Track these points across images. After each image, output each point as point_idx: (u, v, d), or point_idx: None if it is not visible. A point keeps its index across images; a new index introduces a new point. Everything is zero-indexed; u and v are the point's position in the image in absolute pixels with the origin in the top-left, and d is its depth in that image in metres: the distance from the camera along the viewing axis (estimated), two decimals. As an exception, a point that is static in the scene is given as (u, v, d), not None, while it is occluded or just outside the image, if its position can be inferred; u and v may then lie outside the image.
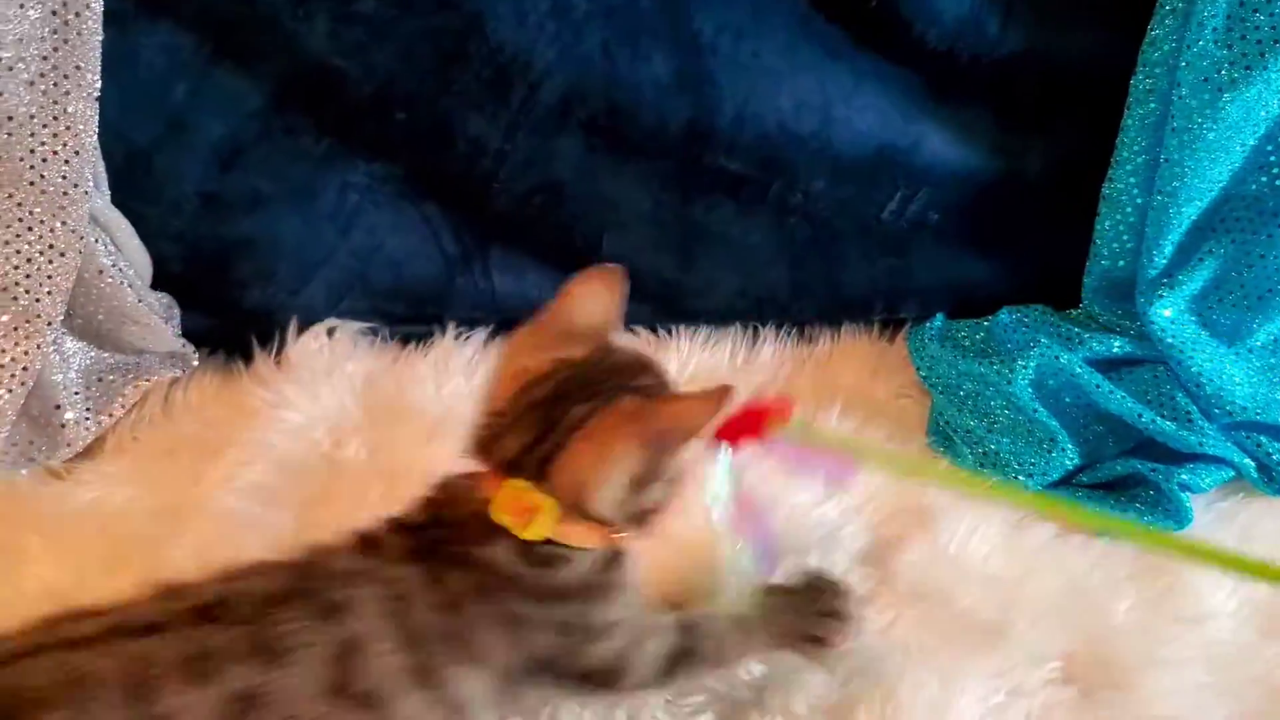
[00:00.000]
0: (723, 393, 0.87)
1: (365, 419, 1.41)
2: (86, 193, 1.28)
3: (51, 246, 1.28)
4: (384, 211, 1.46)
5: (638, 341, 1.56)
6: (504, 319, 1.51)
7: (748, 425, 0.99)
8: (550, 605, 0.93)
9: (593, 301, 0.96)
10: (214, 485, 1.30)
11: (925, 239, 1.49)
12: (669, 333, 1.58)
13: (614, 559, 0.97)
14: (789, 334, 1.59)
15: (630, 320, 1.53)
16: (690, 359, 1.55)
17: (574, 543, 0.93)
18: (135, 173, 1.39)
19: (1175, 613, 1.20)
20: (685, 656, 1.00)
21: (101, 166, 1.34)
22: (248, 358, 1.48)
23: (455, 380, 1.48)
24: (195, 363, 1.48)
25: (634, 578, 0.99)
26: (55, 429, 1.36)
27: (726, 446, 1.00)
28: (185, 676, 0.80)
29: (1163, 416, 1.32)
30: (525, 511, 0.90)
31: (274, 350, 1.49)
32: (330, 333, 1.51)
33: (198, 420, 1.42)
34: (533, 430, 0.91)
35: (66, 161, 1.26)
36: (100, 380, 1.40)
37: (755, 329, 1.58)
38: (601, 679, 0.97)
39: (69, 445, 1.36)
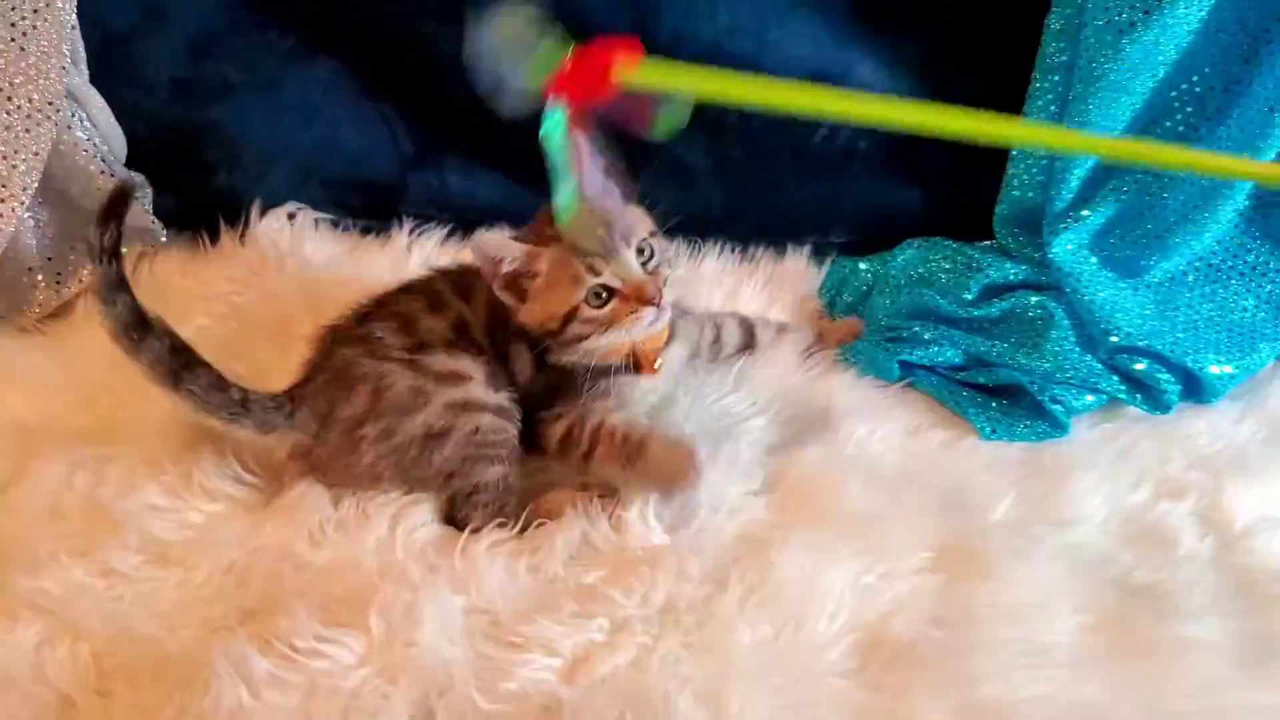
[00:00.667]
0: None
1: (324, 294, 1.49)
2: (64, 68, 1.38)
3: (29, 116, 1.37)
4: (344, 107, 1.57)
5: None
6: (459, 219, 1.60)
7: (590, 74, 0.98)
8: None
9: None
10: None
11: (854, 166, 1.57)
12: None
13: None
14: (731, 251, 1.67)
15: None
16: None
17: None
18: (112, 57, 1.49)
19: (1048, 516, 1.29)
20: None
21: (81, 46, 1.44)
22: (214, 238, 1.58)
23: (412, 272, 1.56)
24: (164, 239, 1.58)
25: None
26: (26, 289, 1.47)
27: (564, 103, 1.01)
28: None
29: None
30: None
31: (239, 231, 1.58)
32: (291, 217, 1.60)
33: (164, 290, 1.52)
34: None
35: (45, 37, 1.35)
36: (72, 249, 1.50)
37: (697, 244, 1.66)
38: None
39: (39, 306, 1.47)
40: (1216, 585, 1.21)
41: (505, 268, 1.17)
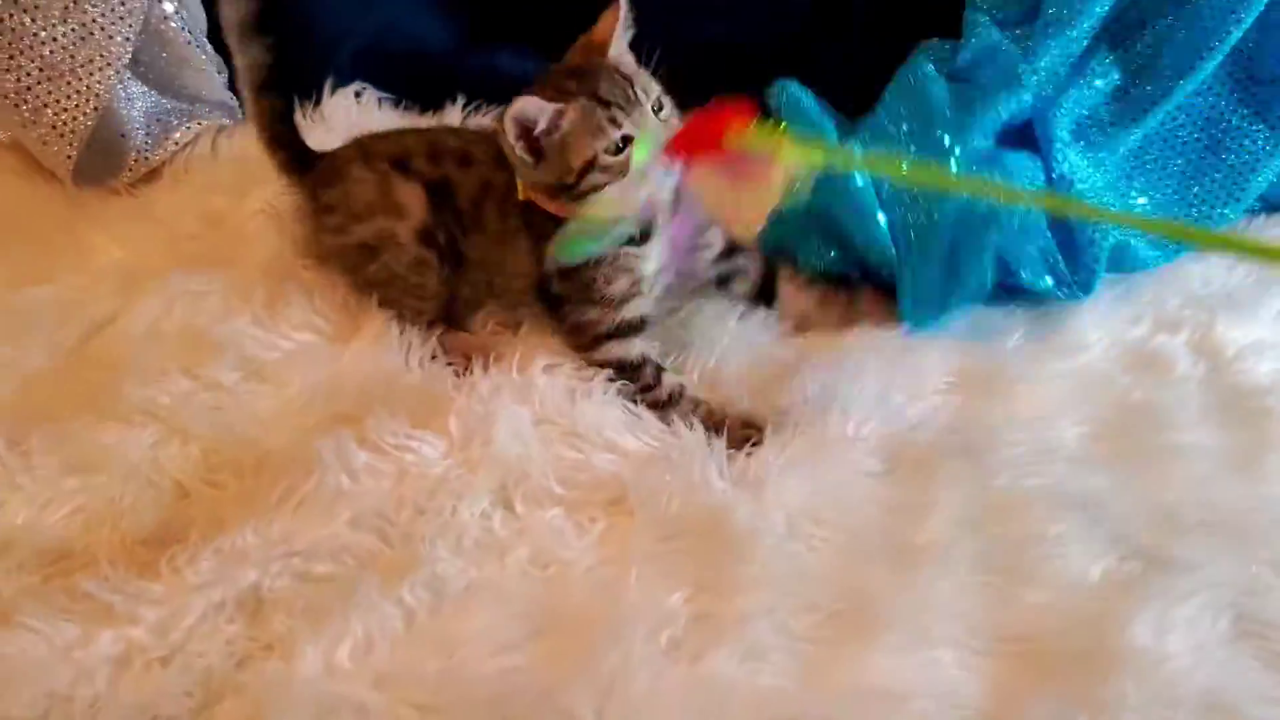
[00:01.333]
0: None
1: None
2: (157, -57, 1.51)
3: (124, -9, 1.50)
4: (402, -6, 1.68)
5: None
6: (508, 99, 1.72)
7: (704, 135, 1.13)
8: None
9: (605, 23, 1.28)
10: (257, 200, 1.56)
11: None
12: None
13: None
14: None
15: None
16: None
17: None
18: (194, -60, 1.61)
19: (1054, 346, 1.40)
20: (628, 370, 1.34)
21: (165, -75, 1.57)
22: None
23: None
24: (240, 115, 1.71)
25: None
26: (119, 155, 1.60)
27: (679, 162, 1.20)
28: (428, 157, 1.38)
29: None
30: None
31: (310, 107, 1.71)
32: (358, 95, 1.73)
33: (242, 159, 1.65)
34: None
35: (138, -83, 1.48)
36: (159, 120, 1.64)
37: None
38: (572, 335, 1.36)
39: (130, 170, 1.60)
40: (1207, 402, 1.32)
41: (536, 129, 1.23)
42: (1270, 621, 1.10)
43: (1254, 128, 1.51)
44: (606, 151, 1.22)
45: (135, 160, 1.60)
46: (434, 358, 1.36)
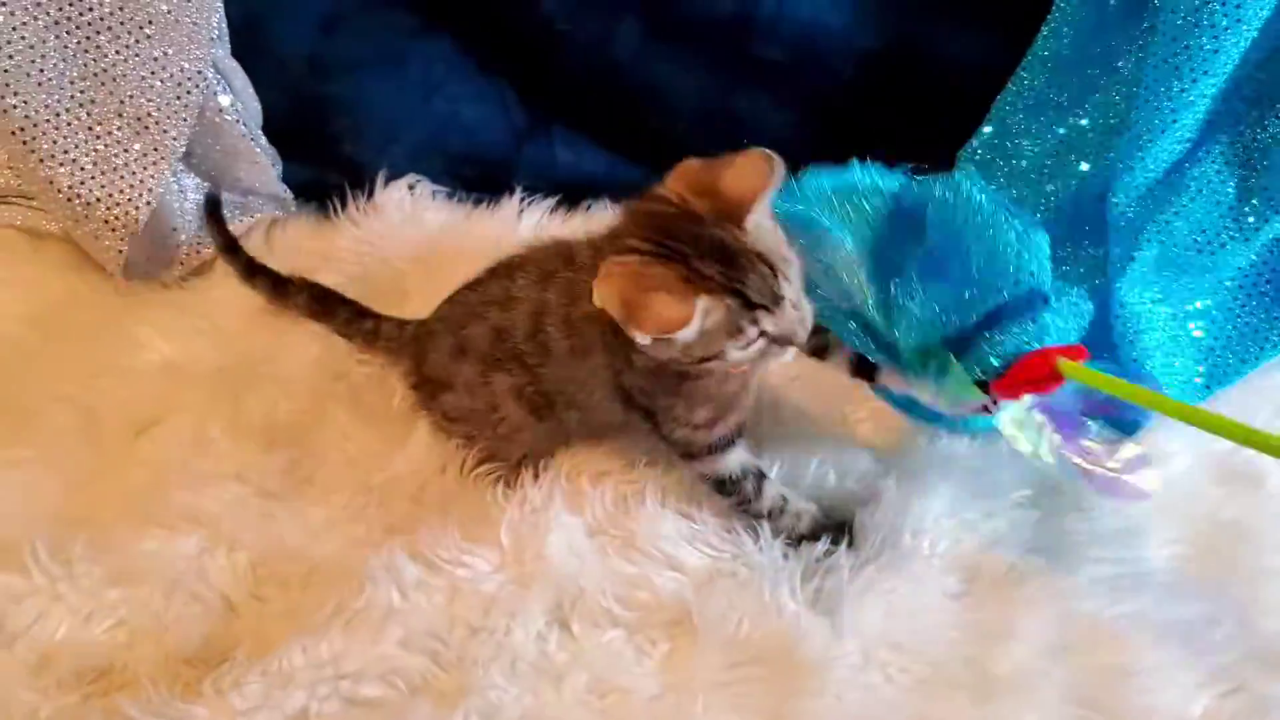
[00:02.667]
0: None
1: (437, 261, 1.60)
2: (211, 39, 1.49)
3: (179, 85, 1.49)
4: (462, 83, 1.68)
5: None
6: (566, 191, 1.70)
7: (1030, 376, 1.07)
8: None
9: (746, 178, 1.02)
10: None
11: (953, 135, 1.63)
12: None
13: None
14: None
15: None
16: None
17: None
18: (251, 33, 1.61)
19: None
20: (727, 486, 1.23)
21: (223, 21, 1.55)
22: (340, 206, 1.68)
23: (521, 239, 1.66)
24: (294, 208, 1.69)
25: None
26: (170, 249, 1.58)
27: (1004, 401, 1.11)
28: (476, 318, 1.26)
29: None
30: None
31: (365, 199, 1.69)
32: (411, 188, 1.70)
33: (294, 252, 1.63)
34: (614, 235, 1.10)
35: (197, 9, 1.47)
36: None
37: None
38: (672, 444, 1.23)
39: (181, 264, 1.58)
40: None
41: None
42: None
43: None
44: (737, 348, 1.06)
45: (187, 254, 1.58)
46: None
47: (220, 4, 1.53)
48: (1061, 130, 1.52)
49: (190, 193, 1.60)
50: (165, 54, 1.48)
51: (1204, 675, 1.10)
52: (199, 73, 1.49)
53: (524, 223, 1.68)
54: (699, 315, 0.99)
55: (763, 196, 1.02)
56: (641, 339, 1.01)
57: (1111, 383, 1.07)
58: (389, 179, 1.69)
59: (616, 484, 1.27)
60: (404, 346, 1.37)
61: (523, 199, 1.70)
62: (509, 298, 1.22)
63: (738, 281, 1.02)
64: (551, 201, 1.71)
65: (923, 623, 1.15)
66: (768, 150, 1.02)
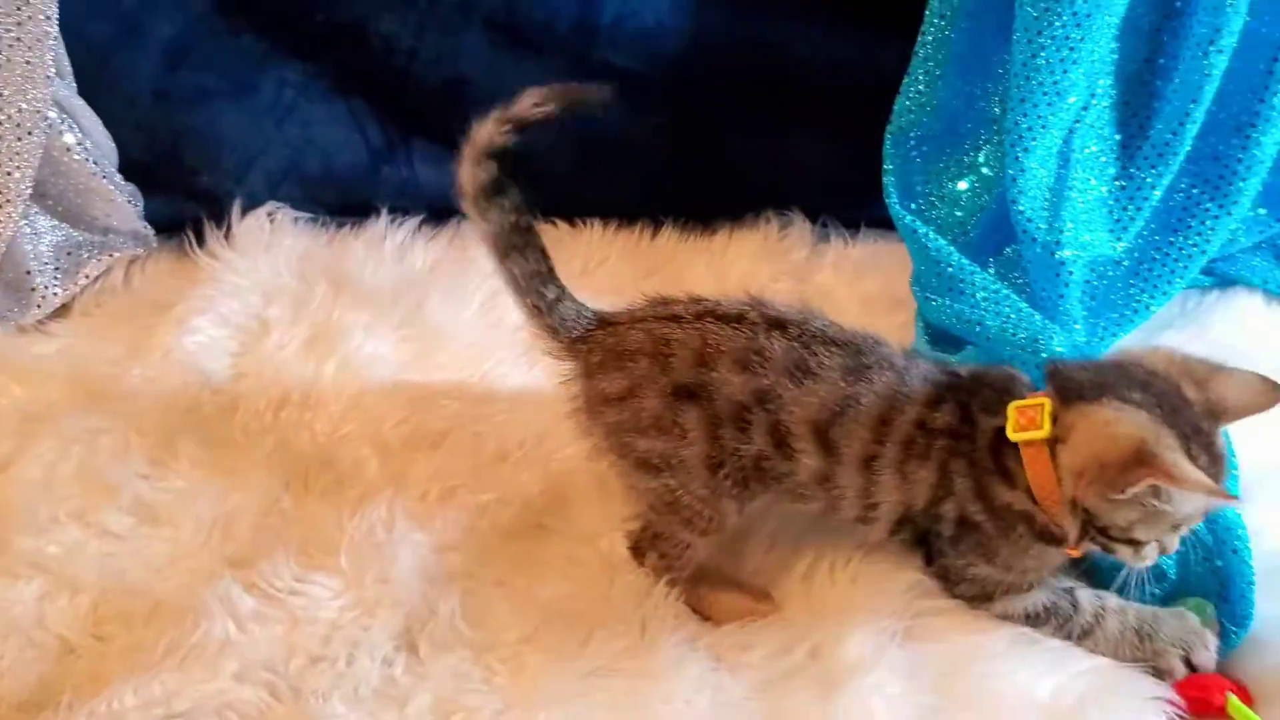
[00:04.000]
0: (1225, 495, 0.99)
1: (299, 285, 1.60)
2: (49, 77, 1.47)
3: (19, 125, 1.46)
4: (315, 106, 1.66)
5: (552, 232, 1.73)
6: (432, 209, 1.69)
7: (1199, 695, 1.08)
8: (989, 511, 1.07)
9: (1245, 392, 1.02)
10: (165, 335, 1.51)
11: (801, 133, 1.64)
12: (574, 224, 1.74)
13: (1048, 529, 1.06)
14: (689, 226, 1.73)
15: (538, 208, 1.70)
16: (597, 250, 1.72)
17: (1037, 491, 1.03)
18: (96, 70, 1.59)
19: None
20: (1041, 617, 1.13)
21: (65, 59, 1.54)
22: (199, 238, 1.66)
23: (386, 262, 1.66)
24: (154, 244, 1.67)
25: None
26: (26, 293, 1.56)
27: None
28: (736, 365, 1.08)
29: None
30: (1028, 419, 1.01)
31: (224, 231, 1.67)
32: (271, 216, 1.69)
33: (154, 289, 1.62)
34: (1094, 380, 1.02)
35: (30, 48, 1.45)
36: (69, 254, 1.60)
37: (659, 221, 1.73)
38: (952, 581, 1.14)
39: (38, 307, 1.56)
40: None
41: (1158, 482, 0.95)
42: None
43: (1202, 206, 1.46)
44: (1162, 543, 1.03)
45: (43, 297, 1.55)
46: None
47: (56, 42, 1.50)
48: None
49: (46, 235, 1.58)
50: (1, 95, 1.45)
51: (1052, 655, 1.10)
52: (38, 112, 1.47)
53: (391, 243, 1.67)
54: (1201, 489, 0.95)
55: (1255, 414, 1.02)
56: (1133, 487, 0.95)
57: None
58: (247, 208, 1.67)
59: (466, 498, 1.27)
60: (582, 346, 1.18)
61: (389, 219, 1.69)
62: (805, 370, 1.08)
63: (1213, 456, 0.99)
64: (417, 220, 1.70)
65: (755, 638, 1.15)
66: (1274, 380, 1.02)
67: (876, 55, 1.55)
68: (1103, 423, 0.99)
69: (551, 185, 1.65)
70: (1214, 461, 0.99)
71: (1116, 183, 1.44)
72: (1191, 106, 1.38)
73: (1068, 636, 1.12)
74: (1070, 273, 1.39)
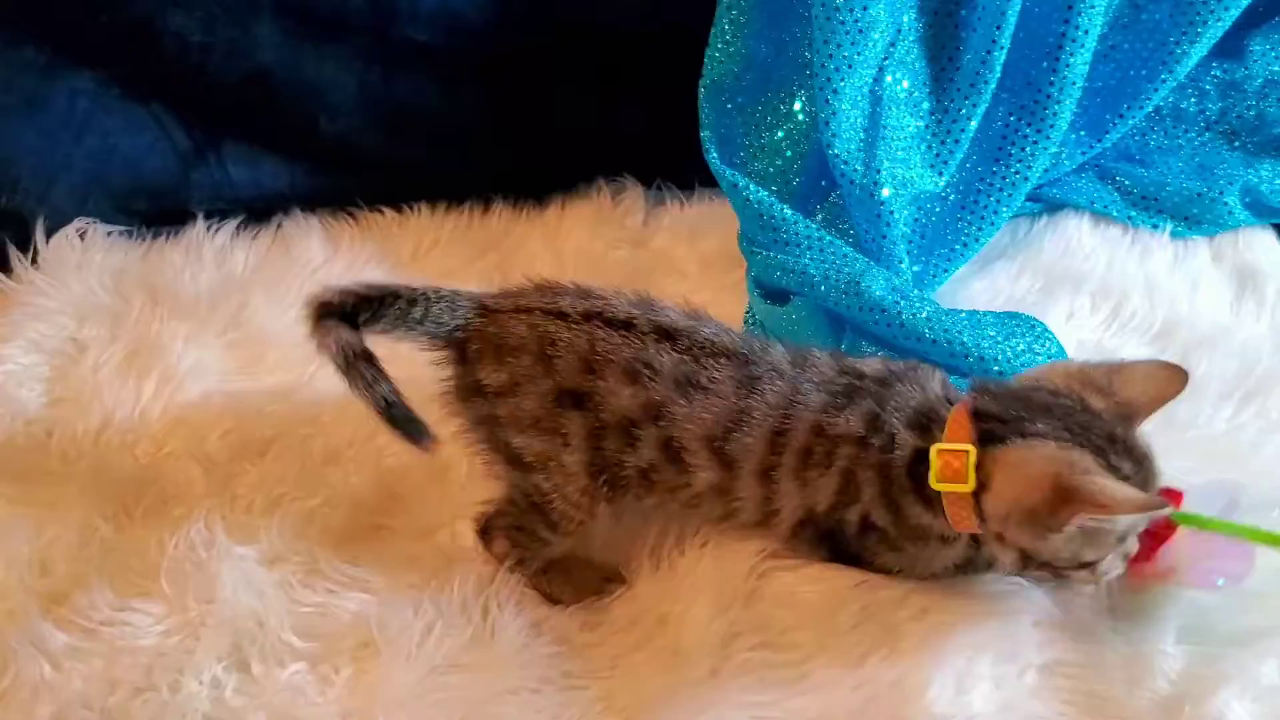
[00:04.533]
0: (1160, 503, 0.95)
1: (115, 301, 1.53)
2: None
3: None
4: (113, 115, 1.58)
5: (379, 220, 1.69)
6: (250, 209, 1.63)
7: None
8: (900, 523, 1.04)
9: (1147, 384, 1.01)
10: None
11: (623, 97, 1.61)
12: (401, 210, 1.70)
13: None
14: (521, 201, 1.70)
15: (361, 198, 1.67)
16: (427, 233, 1.67)
17: (957, 527, 1.00)
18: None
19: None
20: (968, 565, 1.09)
21: None
22: (4, 264, 1.58)
23: (206, 268, 1.60)
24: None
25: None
26: None
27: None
28: (625, 376, 1.05)
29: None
30: (953, 470, 0.97)
31: (30, 255, 1.59)
32: (81, 234, 1.61)
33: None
34: (1004, 414, 0.98)
35: None
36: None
37: (488, 199, 1.69)
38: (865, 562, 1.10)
39: None
40: None
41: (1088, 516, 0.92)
42: (1077, 661, 1.04)
43: (1020, 133, 1.46)
44: (1115, 557, 1.00)
45: None
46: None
47: None
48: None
49: None
50: None
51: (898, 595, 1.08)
52: None
53: (210, 248, 1.61)
54: (1131, 509, 0.93)
55: (1166, 403, 1.01)
56: (1069, 525, 0.92)
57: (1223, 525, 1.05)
58: (54, 227, 1.60)
59: (294, 500, 1.23)
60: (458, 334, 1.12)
61: (205, 224, 1.63)
62: (695, 384, 1.05)
63: (1149, 485, 0.97)
64: (236, 222, 1.64)
65: (602, 615, 1.14)
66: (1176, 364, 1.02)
67: (684, 9, 1.51)
68: (1014, 465, 0.96)
69: (371, 173, 1.65)
70: (1139, 464, 0.97)
71: (932, 116, 1.44)
72: (997, 33, 1.38)
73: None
74: (891, 213, 1.39)
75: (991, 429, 0.98)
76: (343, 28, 1.53)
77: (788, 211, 1.40)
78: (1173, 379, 1.01)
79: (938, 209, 1.46)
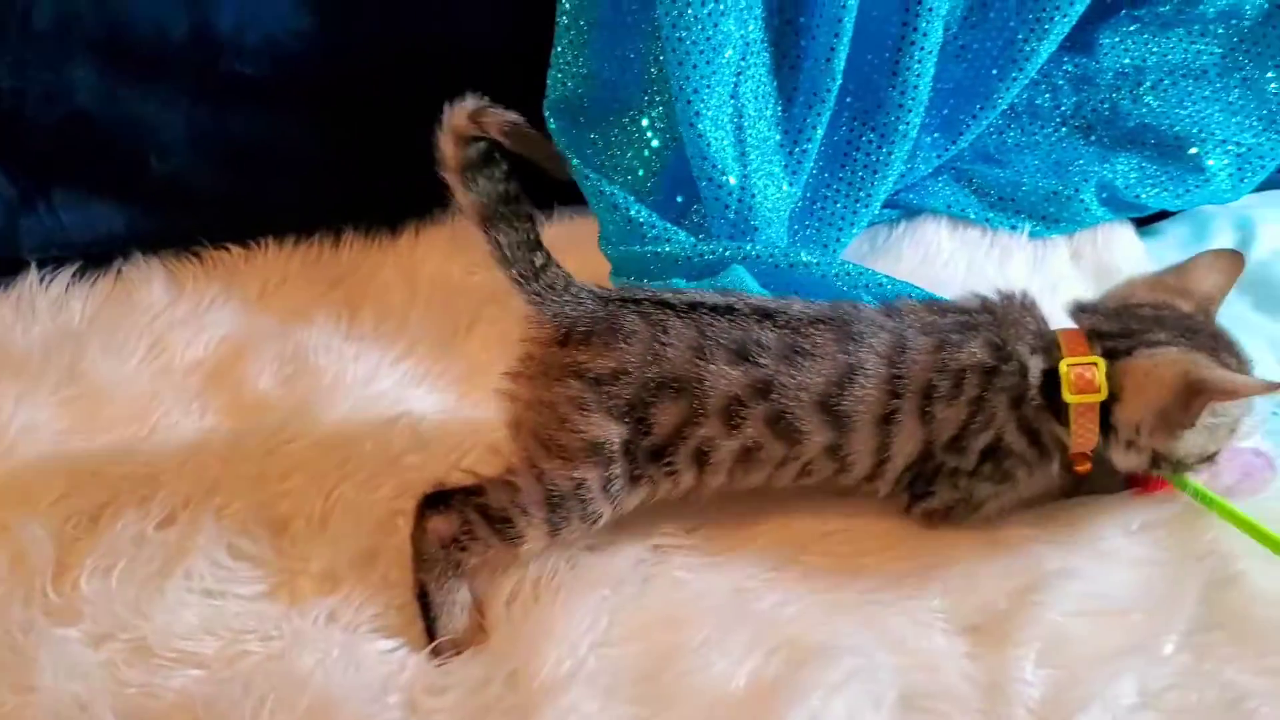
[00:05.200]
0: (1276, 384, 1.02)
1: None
2: None
3: None
4: (-70, 167, 1.49)
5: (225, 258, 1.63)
6: (87, 255, 1.57)
7: None
8: (1030, 441, 1.09)
9: (1213, 274, 1.12)
10: None
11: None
12: (248, 246, 1.64)
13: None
14: (373, 230, 1.65)
15: (205, 237, 1.60)
16: (275, 269, 1.61)
17: (1079, 442, 1.07)
18: None
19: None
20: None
21: None
22: None
23: (40, 321, 1.53)
24: None
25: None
26: None
27: None
28: (734, 357, 1.07)
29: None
30: (1085, 382, 1.05)
31: None
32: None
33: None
34: (1117, 332, 1.07)
35: None
36: None
37: (339, 230, 1.64)
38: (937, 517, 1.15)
39: None
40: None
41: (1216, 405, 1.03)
42: (936, 693, 1.02)
43: (864, 139, 1.43)
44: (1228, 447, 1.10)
45: None
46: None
47: None
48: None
49: None
50: None
51: (748, 635, 1.07)
52: None
53: (44, 300, 1.54)
54: (1254, 391, 1.04)
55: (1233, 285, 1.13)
56: (1198, 417, 1.02)
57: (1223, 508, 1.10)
58: None
59: (126, 571, 1.16)
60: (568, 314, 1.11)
61: (39, 274, 1.56)
62: (801, 352, 1.08)
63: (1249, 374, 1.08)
64: (72, 270, 1.57)
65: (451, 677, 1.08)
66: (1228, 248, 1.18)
67: (520, 30, 1.47)
68: (1145, 373, 1.04)
69: (211, 210, 1.58)
70: (1238, 356, 1.08)
71: (779, 127, 1.41)
72: (835, 40, 1.36)
73: None
74: (755, 228, 1.36)
75: (1115, 345, 1.07)
76: (163, 65, 1.46)
77: (655, 217, 1.39)
78: (1234, 261, 1.14)
79: (795, 216, 1.44)
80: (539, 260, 1.12)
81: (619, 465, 1.09)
